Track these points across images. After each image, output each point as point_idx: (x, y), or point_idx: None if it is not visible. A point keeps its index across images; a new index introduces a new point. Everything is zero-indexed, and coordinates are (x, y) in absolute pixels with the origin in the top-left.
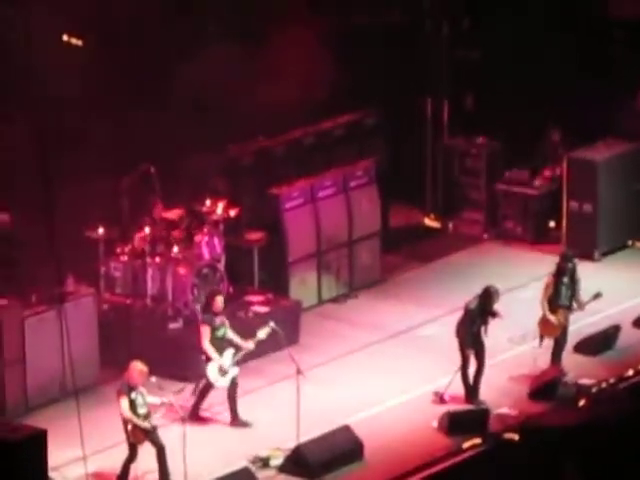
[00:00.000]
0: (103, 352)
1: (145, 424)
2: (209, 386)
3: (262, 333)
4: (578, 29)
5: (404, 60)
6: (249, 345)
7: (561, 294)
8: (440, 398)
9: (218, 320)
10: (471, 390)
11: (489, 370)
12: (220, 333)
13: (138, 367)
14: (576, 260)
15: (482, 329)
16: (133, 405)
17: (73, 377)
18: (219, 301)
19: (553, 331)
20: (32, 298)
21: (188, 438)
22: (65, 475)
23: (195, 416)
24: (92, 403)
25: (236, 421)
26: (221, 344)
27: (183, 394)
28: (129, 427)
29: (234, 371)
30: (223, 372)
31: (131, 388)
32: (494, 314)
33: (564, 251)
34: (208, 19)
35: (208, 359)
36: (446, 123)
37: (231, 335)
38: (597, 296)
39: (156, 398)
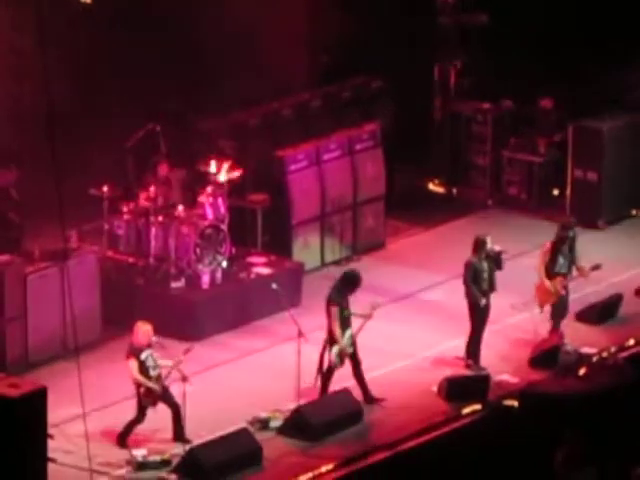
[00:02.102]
0: (105, 310)
1: (155, 386)
2: (331, 369)
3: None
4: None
5: (412, 24)
6: (369, 314)
7: (558, 262)
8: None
9: (345, 300)
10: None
11: (490, 336)
12: (346, 313)
13: (143, 327)
14: (576, 229)
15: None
16: (143, 367)
17: (74, 334)
18: (354, 277)
19: (549, 298)
20: (35, 254)
21: (188, 398)
22: (65, 432)
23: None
24: (93, 361)
25: (368, 398)
26: (345, 324)
27: (193, 355)
28: (141, 390)
29: (350, 351)
30: (343, 355)
31: (139, 349)
32: (498, 256)
33: (564, 219)
34: None
35: (332, 341)
36: (453, 88)
37: (353, 310)
38: (596, 267)
39: (168, 361)
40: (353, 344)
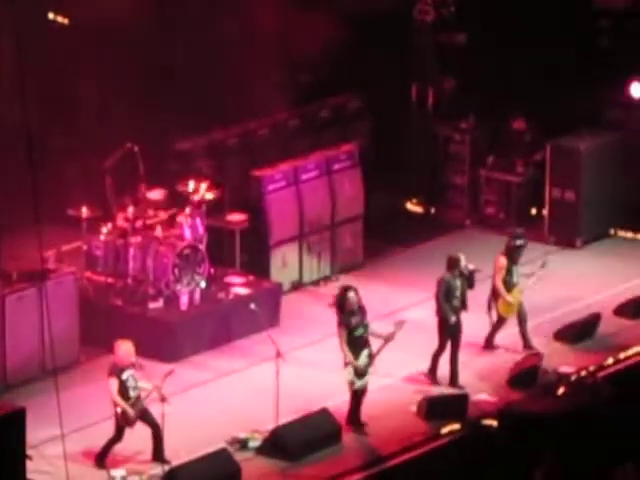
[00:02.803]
0: (83, 331)
1: (131, 410)
2: (357, 393)
3: (397, 327)
4: (563, 17)
5: (390, 44)
6: (391, 334)
7: (513, 273)
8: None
9: (354, 320)
10: (453, 374)
11: (468, 356)
12: (359, 332)
13: (123, 346)
14: (525, 240)
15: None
16: (124, 386)
17: (53, 356)
18: (351, 297)
19: (512, 310)
20: (13, 276)
21: (167, 418)
22: (43, 453)
23: (357, 421)
24: (71, 382)
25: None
26: (359, 343)
27: (172, 376)
28: (118, 410)
29: (370, 371)
30: (360, 374)
31: (121, 369)
32: (471, 274)
33: (513, 230)
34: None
35: (346, 363)
36: (431, 107)
37: (372, 329)
38: (544, 265)
39: (148, 384)
40: (370, 364)
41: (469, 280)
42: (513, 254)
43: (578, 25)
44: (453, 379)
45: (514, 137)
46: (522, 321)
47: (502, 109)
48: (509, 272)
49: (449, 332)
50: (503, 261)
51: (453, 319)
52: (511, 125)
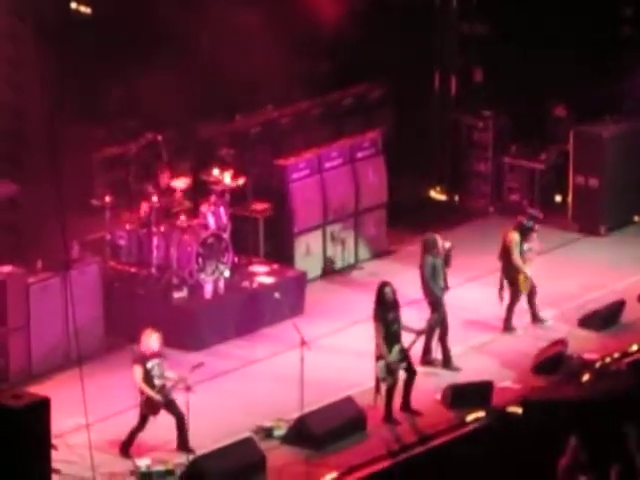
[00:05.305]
0: (107, 320)
1: (157, 396)
2: (389, 388)
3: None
4: (584, 6)
5: (413, 33)
6: (422, 329)
7: (523, 249)
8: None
9: (391, 315)
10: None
11: (493, 343)
12: (394, 328)
13: (149, 335)
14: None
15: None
16: (148, 375)
17: (77, 345)
18: (388, 293)
19: (527, 284)
20: (37, 265)
21: (192, 408)
22: (68, 442)
23: (390, 417)
24: (96, 371)
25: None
26: (393, 339)
27: (200, 369)
28: (143, 397)
29: (402, 366)
30: (391, 370)
31: (146, 357)
32: (448, 253)
33: (530, 210)
34: None
35: (379, 357)
36: (454, 96)
37: (404, 324)
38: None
39: (174, 374)
40: (406, 358)
41: (446, 259)
42: (523, 232)
43: (601, 15)
44: (447, 361)
45: (552, 124)
46: (532, 295)
47: (526, 98)
48: (520, 248)
49: (441, 311)
50: (516, 237)
51: (444, 297)
52: (554, 113)
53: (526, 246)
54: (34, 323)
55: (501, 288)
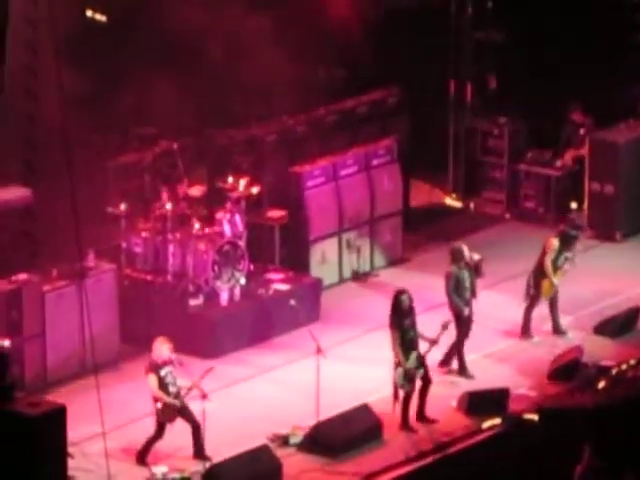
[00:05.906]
0: (123, 328)
1: (175, 401)
2: (406, 395)
3: (443, 329)
4: (596, 12)
5: (429, 40)
6: (437, 337)
7: (560, 257)
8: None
9: (407, 322)
10: (462, 364)
11: (509, 350)
12: (410, 335)
13: (162, 343)
14: (580, 233)
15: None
16: (162, 383)
17: (93, 353)
18: (404, 300)
19: (551, 292)
20: (53, 273)
21: (208, 415)
22: (84, 451)
23: (406, 424)
24: (111, 379)
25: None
26: (410, 346)
27: (212, 373)
28: (159, 405)
29: (420, 373)
30: (409, 377)
31: (159, 365)
32: (478, 264)
33: (573, 219)
34: None
35: (397, 364)
36: (469, 103)
37: (419, 332)
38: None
39: (187, 381)
40: (422, 365)
41: (477, 269)
42: (566, 241)
43: (616, 20)
44: (463, 369)
45: (570, 129)
46: (554, 304)
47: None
48: (558, 255)
49: (465, 324)
50: (555, 243)
51: (466, 311)
52: (572, 118)
53: (566, 255)
54: (50, 331)
55: (528, 287)
